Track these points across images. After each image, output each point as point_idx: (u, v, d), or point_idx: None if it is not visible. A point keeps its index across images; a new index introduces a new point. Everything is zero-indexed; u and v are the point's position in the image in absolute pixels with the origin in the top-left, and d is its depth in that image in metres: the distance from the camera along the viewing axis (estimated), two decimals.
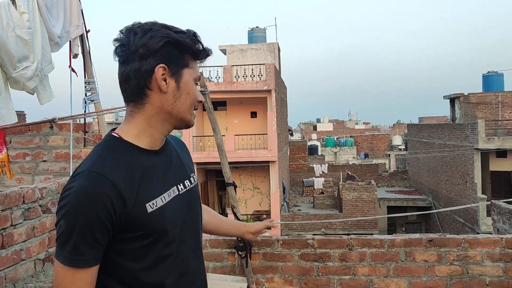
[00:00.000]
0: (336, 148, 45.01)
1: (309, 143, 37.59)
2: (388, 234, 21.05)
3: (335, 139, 47.56)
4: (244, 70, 19.42)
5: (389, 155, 40.13)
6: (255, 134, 19.75)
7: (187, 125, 1.25)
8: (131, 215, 1.10)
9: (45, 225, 2.53)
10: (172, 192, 1.23)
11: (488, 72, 24.16)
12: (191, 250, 1.27)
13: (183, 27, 1.22)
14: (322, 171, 29.54)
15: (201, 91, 3.19)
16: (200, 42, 1.21)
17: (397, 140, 47.77)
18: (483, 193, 18.34)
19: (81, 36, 3.40)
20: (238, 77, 19.37)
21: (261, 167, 19.80)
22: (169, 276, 1.19)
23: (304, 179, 26.28)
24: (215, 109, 22.97)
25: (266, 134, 19.09)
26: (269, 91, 19.01)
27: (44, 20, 2.80)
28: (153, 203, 1.15)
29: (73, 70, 3.40)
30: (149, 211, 1.13)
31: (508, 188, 19.41)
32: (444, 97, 24.82)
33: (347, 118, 79.44)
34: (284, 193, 21.49)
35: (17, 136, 3.51)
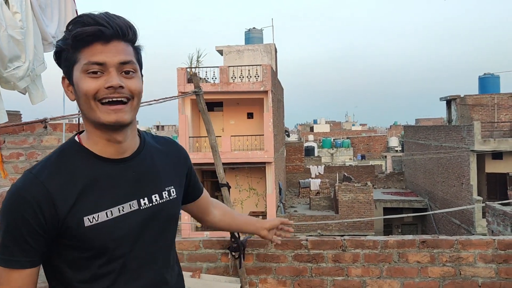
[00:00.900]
0: (332, 149, 45.08)
1: (305, 144, 37.63)
2: (384, 235, 21.07)
3: (332, 140, 47.63)
4: (241, 71, 19.43)
5: (386, 156, 40.22)
6: (251, 135, 19.76)
7: (101, 123, 1.08)
8: (64, 224, 1.05)
9: None
10: (128, 207, 1.13)
11: (485, 74, 24.26)
12: (149, 271, 1.17)
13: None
14: (319, 172, 29.57)
15: (194, 92, 3.19)
16: (79, 27, 1.05)
17: (394, 142, 47.88)
18: (479, 194, 18.40)
19: None
20: (235, 78, 19.38)
21: (257, 168, 19.81)
22: (105, 284, 1.10)
23: (300, 180, 26.30)
24: (212, 109, 22.94)
25: (263, 135, 19.10)
26: (265, 92, 19.02)
27: (37, 19, 2.79)
28: (93, 217, 1.07)
29: None
30: (86, 224, 1.06)
31: (503, 190, 19.49)
32: (441, 99, 24.90)
33: (344, 120, 79.57)
34: (280, 194, 21.50)
35: (11, 136, 3.50)
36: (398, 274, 3.19)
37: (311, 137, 50.52)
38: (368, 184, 20.56)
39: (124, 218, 1.11)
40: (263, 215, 19.33)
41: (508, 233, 5.93)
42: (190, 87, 19.31)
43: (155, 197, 1.18)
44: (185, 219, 16.57)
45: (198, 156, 19.01)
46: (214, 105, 21.21)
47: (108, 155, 1.12)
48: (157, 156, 1.24)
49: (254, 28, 24.98)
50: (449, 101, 24.00)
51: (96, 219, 1.07)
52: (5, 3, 2.48)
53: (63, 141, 3.35)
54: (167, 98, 3.00)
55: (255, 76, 19.39)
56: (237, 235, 3.25)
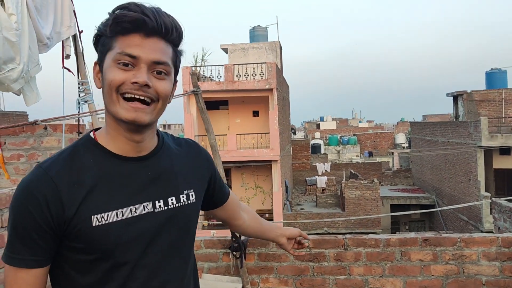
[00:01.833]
0: (339, 146, 44.94)
1: (312, 142, 37.55)
2: (392, 232, 21.01)
3: (339, 137, 47.47)
4: (246, 69, 19.40)
5: (393, 153, 40.02)
6: (257, 133, 19.74)
7: (118, 118, 1.02)
8: (71, 223, 1.00)
9: None
10: (142, 208, 1.06)
11: (492, 69, 24.03)
12: (157, 279, 1.09)
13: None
14: (325, 170, 29.49)
15: (193, 91, 3.18)
16: (122, 14, 0.99)
17: (401, 138, 47.63)
18: (486, 190, 18.25)
19: (74, 37, 3.39)
20: (240, 76, 19.36)
21: (263, 166, 19.79)
22: None
23: (307, 178, 26.24)
24: (217, 108, 22.93)
25: (268, 133, 19.07)
26: (270, 90, 18.98)
27: (33, 21, 2.79)
28: (102, 217, 1.01)
29: (68, 69, 3.39)
30: (94, 224, 1.00)
31: (511, 186, 19.31)
32: (447, 94, 24.72)
33: (350, 117, 79.30)
34: (286, 192, 21.47)
35: (11, 137, 3.51)
36: (401, 272, 3.16)
37: (317, 134, 50.41)
38: (375, 181, 20.47)
39: (136, 220, 1.04)
40: (270, 213, 19.32)
41: None
42: None
43: (172, 200, 1.11)
44: None
45: None
46: (219, 104, 21.21)
47: (124, 153, 1.06)
48: (176, 158, 1.17)
49: (258, 26, 24.93)
50: (456, 97, 23.82)
51: (105, 219, 1.01)
52: (1, 4, 2.48)
53: (63, 142, 3.36)
54: None
55: (260, 74, 19.36)
56: (238, 235, 3.24)
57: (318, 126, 62.67)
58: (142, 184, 1.07)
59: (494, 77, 23.37)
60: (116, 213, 1.02)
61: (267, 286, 3.28)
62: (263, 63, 19.56)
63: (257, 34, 24.73)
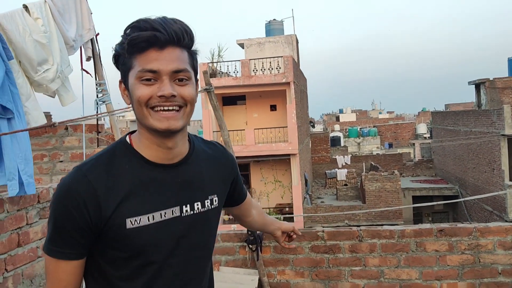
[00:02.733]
0: (359, 138, 44.57)
1: (331, 135, 37.35)
2: (414, 224, 20.74)
3: (358, 129, 47.06)
4: (262, 63, 19.42)
5: (414, 144, 39.51)
6: (274, 128, 19.76)
7: (154, 130, 1.09)
8: (107, 224, 1.08)
9: None
10: (170, 213, 1.14)
11: None
12: (182, 279, 1.18)
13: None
14: (345, 162, 29.32)
15: (205, 89, 3.25)
16: (136, 31, 1.05)
17: (422, 129, 46.93)
18: (511, 180, 17.88)
19: (91, 40, 3.49)
20: (256, 70, 19.38)
21: (282, 160, 19.82)
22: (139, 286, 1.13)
23: (326, 171, 26.16)
24: (234, 103, 23.02)
25: (286, 127, 19.07)
26: (287, 83, 18.96)
27: (58, 24, 2.91)
28: (135, 220, 1.09)
29: (86, 71, 3.50)
30: (128, 226, 1.08)
31: None
32: (469, 83, 24.24)
33: (370, 108, 78.42)
34: (306, 186, 21.46)
35: (34, 138, 3.65)
36: (416, 263, 3.18)
37: (337, 127, 50.05)
38: (395, 172, 20.28)
39: (165, 224, 1.12)
40: (290, 206, 19.36)
41: None
42: (213, 82, 19.44)
43: (197, 205, 1.18)
44: None
45: None
46: (236, 99, 21.29)
47: (157, 160, 1.13)
48: (204, 163, 1.23)
49: (274, 19, 24.88)
50: (478, 85, 23.34)
51: (138, 222, 1.09)
52: (26, 10, 2.59)
53: (83, 141, 3.47)
54: None
55: (276, 68, 19.35)
56: None
57: (337, 118, 62.22)
58: (172, 190, 1.14)
59: None
60: (148, 217, 1.10)
61: (284, 278, 3.35)
62: (280, 57, 19.52)
63: (273, 28, 24.68)
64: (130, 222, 1.08)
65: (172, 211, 1.14)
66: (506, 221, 16.83)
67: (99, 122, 3.73)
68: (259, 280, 3.28)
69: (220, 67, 20.19)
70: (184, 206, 1.15)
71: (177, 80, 1.07)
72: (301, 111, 22.45)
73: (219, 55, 19.50)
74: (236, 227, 19.21)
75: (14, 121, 2.22)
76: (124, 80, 1.12)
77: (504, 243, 3.08)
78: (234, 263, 3.42)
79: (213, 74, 19.67)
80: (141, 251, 1.10)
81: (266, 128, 19.70)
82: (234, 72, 19.93)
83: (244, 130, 19.52)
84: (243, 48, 23.65)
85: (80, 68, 3.48)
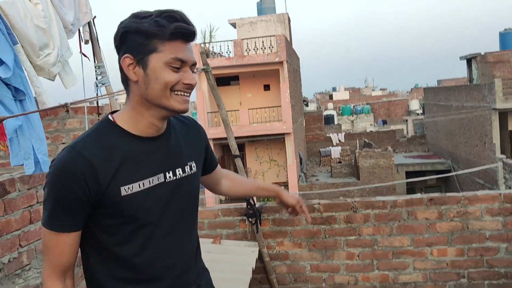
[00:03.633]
0: (352, 116, 44.77)
1: (325, 113, 37.47)
2: None
3: (352, 107, 47.20)
4: (255, 43, 19.36)
5: (407, 120, 39.77)
6: (268, 107, 19.84)
7: (172, 110, 1.22)
8: (105, 194, 1.18)
9: None
10: (156, 179, 1.25)
11: (505, 29, 23.50)
12: (171, 237, 1.30)
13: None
14: (339, 140, 29.55)
15: (203, 69, 3.33)
16: (172, 20, 1.16)
17: (415, 105, 47.18)
18: (502, 153, 18.18)
19: (89, 23, 3.55)
20: (249, 50, 19.34)
21: (276, 140, 19.96)
22: (139, 255, 1.25)
23: (321, 149, 26.38)
24: (228, 84, 22.95)
25: (280, 106, 19.15)
26: (280, 62, 18.96)
27: (56, 8, 2.97)
28: (128, 187, 1.20)
29: (84, 55, 3.57)
30: (122, 194, 1.19)
31: None
32: (461, 58, 24.32)
33: (363, 85, 78.40)
34: (301, 164, 21.68)
35: None
36: (408, 231, 3.35)
37: (330, 105, 50.13)
38: (389, 149, 20.52)
39: (152, 190, 1.24)
40: (285, 185, 19.59)
41: None
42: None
43: (179, 171, 1.30)
44: (210, 193, 16.96)
45: (217, 131, 19.23)
46: (230, 79, 21.29)
47: (143, 134, 1.25)
48: (180, 134, 1.36)
49: None
50: (469, 60, 23.44)
51: (131, 189, 1.20)
52: None
53: (86, 123, 3.57)
54: None
55: (269, 47, 19.31)
56: (252, 202, 3.45)
57: (330, 96, 62.24)
58: (157, 159, 1.27)
59: (508, 38, 22.88)
60: (139, 184, 1.22)
61: (282, 249, 3.50)
62: (272, 36, 19.47)
63: (264, 7, 24.52)
64: (124, 190, 1.19)
65: (158, 177, 1.25)
66: None
67: (100, 104, 3.81)
68: (259, 251, 3.44)
69: (213, 47, 20.11)
70: (167, 173, 1.28)
71: (191, 71, 1.23)
72: (295, 90, 22.50)
73: (210, 35, 19.41)
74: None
75: (26, 103, 2.31)
76: (138, 58, 1.19)
77: (491, 210, 3.25)
78: (235, 236, 3.57)
79: (206, 55, 19.57)
80: (134, 215, 1.21)
81: (260, 108, 19.78)
82: (226, 52, 19.88)
83: (238, 110, 19.58)
84: (235, 28, 23.53)
85: (79, 51, 3.54)
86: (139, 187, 1.22)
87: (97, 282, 1.27)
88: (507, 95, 18.13)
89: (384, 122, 44.51)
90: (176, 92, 1.21)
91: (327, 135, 30.30)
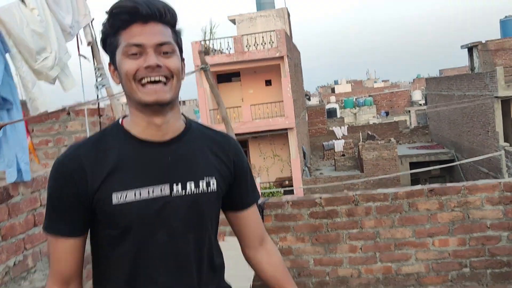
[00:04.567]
0: (355, 109, 44.66)
1: (327, 107, 37.42)
2: None
3: (354, 100, 47.09)
4: (255, 38, 19.35)
5: (409, 111, 39.65)
6: (270, 103, 19.83)
7: (144, 103, 1.10)
8: (94, 198, 1.10)
9: None
10: (159, 190, 1.11)
11: (506, 17, 23.36)
12: (170, 257, 1.14)
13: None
14: (342, 134, 29.52)
15: (201, 68, 3.36)
16: (117, 7, 1.08)
17: (417, 96, 46.99)
18: (505, 141, 18.12)
19: (88, 25, 3.58)
20: (249, 46, 19.33)
21: (279, 135, 19.97)
22: (131, 274, 1.13)
23: (324, 143, 26.37)
24: (229, 80, 22.94)
25: (282, 101, 19.14)
26: (281, 57, 18.94)
27: (53, 13, 3.00)
28: (121, 195, 1.09)
29: (84, 57, 3.60)
30: (114, 202, 1.09)
31: None
32: (462, 46, 24.23)
33: (365, 78, 78.13)
34: (304, 158, 21.69)
35: (38, 124, 3.77)
36: (409, 222, 3.37)
37: (332, 98, 50.02)
38: (392, 140, 20.50)
39: (152, 202, 1.09)
40: (289, 180, 19.63)
41: None
42: (207, 60, 19.38)
43: (190, 184, 1.13)
44: None
45: (219, 128, 19.23)
46: (231, 76, 21.28)
47: (147, 137, 1.13)
48: (201, 142, 1.19)
49: None
50: (470, 48, 23.35)
51: (125, 197, 1.08)
52: (22, 1, 2.68)
53: (87, 125, 3.60)
54: None
55: (269, 43, 19.28)
56: None
57: (332, 90, 62.10)
58: (161, 167, 1.12)
59: (508, 25, 22.74)
60: (135, 193, 1.09)
61: (286, 244, 3.53)
62: (272, 31, 19.43)
63: (263, 2, 24.47)
64: (116, 196, 1.08)
65: (161, 188, 1.10)
66: None
67: (101, 106, 3.85)
68: None
69: (213, 44, 20.10)
70: (175, 185, 1.11)
71: (162, 53, 1.09)
72: (296, 84, 22.48)
73: (211, 32, 19.39)
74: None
75: (13, 112, 2.34)
76: (112, 61, 1.14)
77: (491, 199, 3.26)
78: None
79: (206, 52, 19.59)
80: (126, 228, 1.10)
81: (262, 104, 19.78)
82: (227, 49, 19.86)
83: (240, 107, 19.59)
84: (234, 24, 23.49)
85: (78, 54, 3.57)
86: (135, 196, 1.09)
87: None
88: (509, 83, 18.05)
89: (387, 114, 44.39)
90: (142, 81, 1.09)
91: (330, 128, 30.26)
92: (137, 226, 1.10)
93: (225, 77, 21.20)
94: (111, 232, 1.12)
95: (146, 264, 1.12)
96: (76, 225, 1.12)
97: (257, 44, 19.37)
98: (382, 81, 75.09)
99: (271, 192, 18.79)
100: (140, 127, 1.13)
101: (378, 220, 3.41)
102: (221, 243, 3.63)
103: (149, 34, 1.08)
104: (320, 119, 30.22)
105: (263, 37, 19.31)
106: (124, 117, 1.21)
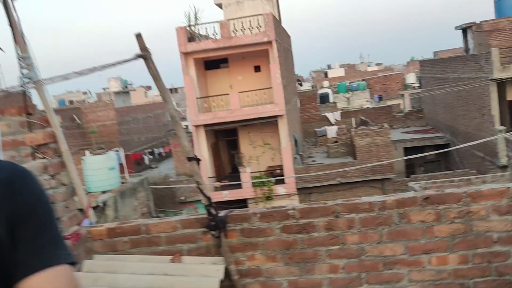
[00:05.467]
0: (348, 93, 44.10)
1: (319, 92, 36.81)
2: (406, 176, 20.67)
3: (347, 84, 46.51)
4: (242, 23, 18.64)
5: (403, 95, 39.14)
6: (259, 89, 19.19)
7: None
8: None
9: None
10: None
11: None
12: None
13: None
14: (335, 119, 28.99)
15: (140, 56, 2.74)
16: None
17: (411, 79, 46.50)
18: (501, 124, 17.67)
19: (5, 5, 2.95)
20: (236, 31, 18.62)
21: (269, 123, 19.38)
22: None
23: (316, 129, 25.86)
24: (218, 67, 22.33)
25: (271, 88, 18.53)
26: (269, 42, 18.30)
27: None
28: None
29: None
30: None
31: None
32: (456, 27, 23.60)
33: (358, 61, 77.44)
34: (296, 146, 21.17)
35: None
36: (401, 237, 2.81)
37: (326, 83, 49.38)
38: (385, 125, 20.00)
39: None
40: (280, 168, 19.11)
41: None
42: (192, 46, 18.67)
43: None
44: None
45: (208, 116, 18.70)
46: (219, 62, 20.61)
47: None
48: None
49: None
50: (465, 30, 22.74)
51: None
52: None
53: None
54: (106, 65, 2.59)
55: (257, 27, 18.59)
56: (214, 212, 2.91)
57: (326, 74, 61.50)
58: None
59: (503, 5, 22.10)
60: None
61: (254, 264, 2.98)
62: (259, 15, 18.73)
63: None
64: None
65: None
66: (498, 166, 16.71)
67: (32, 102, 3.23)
68: (226, 268, 2.91)
69: (199, 30, 19.36)
70: None
71: None
72: (286, 70, 21.83)
73: (195, 17, 18.66)
74: (228, 194, 18.94)
75: None
76: None
77: (498, 208, 2.71)
78: (198, 251, 3.04)
79: (192, 38, 18.89)
80: None
81: (250, 91, 19.14)
82: (213, 34, 19.16)
83: (228, 94, 18.97)
84: (221, 8, 22.69)
85: None
86: None
87: None
88: (505, 64, 17.52)
89: (380, 98, 43.83)
90: None
91: (323, 114, 29.71)
92: None
93: (213, 64, 20.54)
94: None
95: None
96: None
97: (245, 29, 18.66)
98: (376, 64, 74.60)
99: (262, 182, 18.27)
100: None
101: (363, 234, 2.84)
102: (177, 266, 2.99)
103: None
104: (313, 104, 29.65)
105: (250, 22, 18.60)
106: None
